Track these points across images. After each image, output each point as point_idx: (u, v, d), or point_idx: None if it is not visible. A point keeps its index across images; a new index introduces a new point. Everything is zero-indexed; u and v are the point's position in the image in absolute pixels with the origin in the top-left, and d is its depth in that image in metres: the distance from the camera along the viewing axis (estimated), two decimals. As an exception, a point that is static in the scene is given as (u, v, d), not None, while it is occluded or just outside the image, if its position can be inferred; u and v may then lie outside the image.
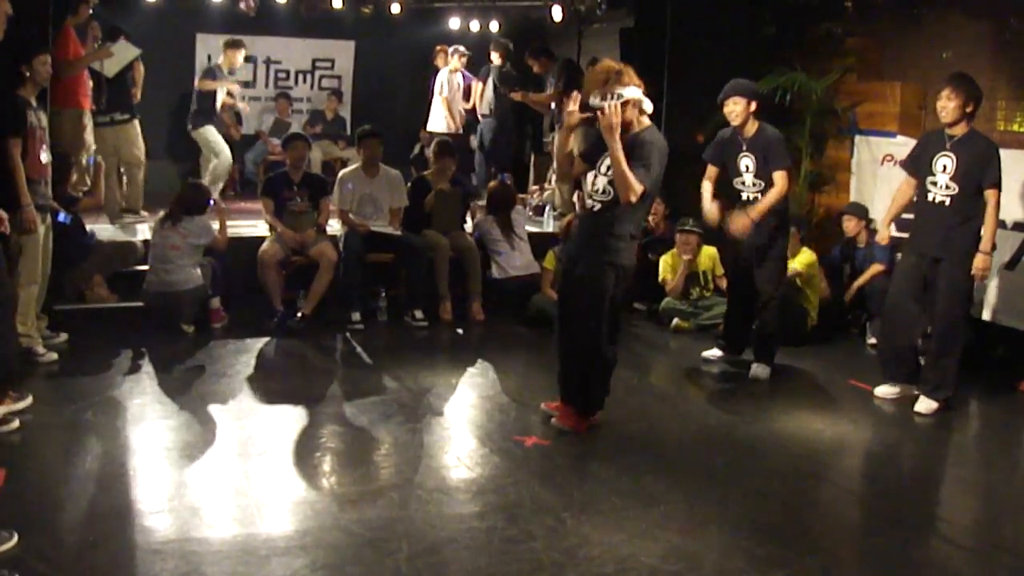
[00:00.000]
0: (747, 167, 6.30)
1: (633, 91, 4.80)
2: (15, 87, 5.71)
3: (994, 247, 5.77)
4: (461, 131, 11.02)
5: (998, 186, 5.58)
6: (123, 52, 8.41)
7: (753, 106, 6.25)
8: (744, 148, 6.30)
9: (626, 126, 4.86)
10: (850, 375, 6.53)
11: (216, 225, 7.26)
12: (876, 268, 7.28)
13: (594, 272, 4.97)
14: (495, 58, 10.44)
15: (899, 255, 6.31)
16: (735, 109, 6.23)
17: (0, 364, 4.82)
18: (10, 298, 5.07)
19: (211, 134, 9.50)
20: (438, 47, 11.36)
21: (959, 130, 5.65)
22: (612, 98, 4.75)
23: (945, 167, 5.68)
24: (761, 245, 6.33)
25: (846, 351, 7.30)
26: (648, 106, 4.91)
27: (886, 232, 6.19)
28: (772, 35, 8.64)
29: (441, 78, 11.00)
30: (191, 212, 7.09)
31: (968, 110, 5.60)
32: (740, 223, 6.11)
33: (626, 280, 5.08)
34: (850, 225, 7.64)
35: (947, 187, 5.68)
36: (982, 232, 5.63)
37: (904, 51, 7.86)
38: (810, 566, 3.85)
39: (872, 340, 7.19)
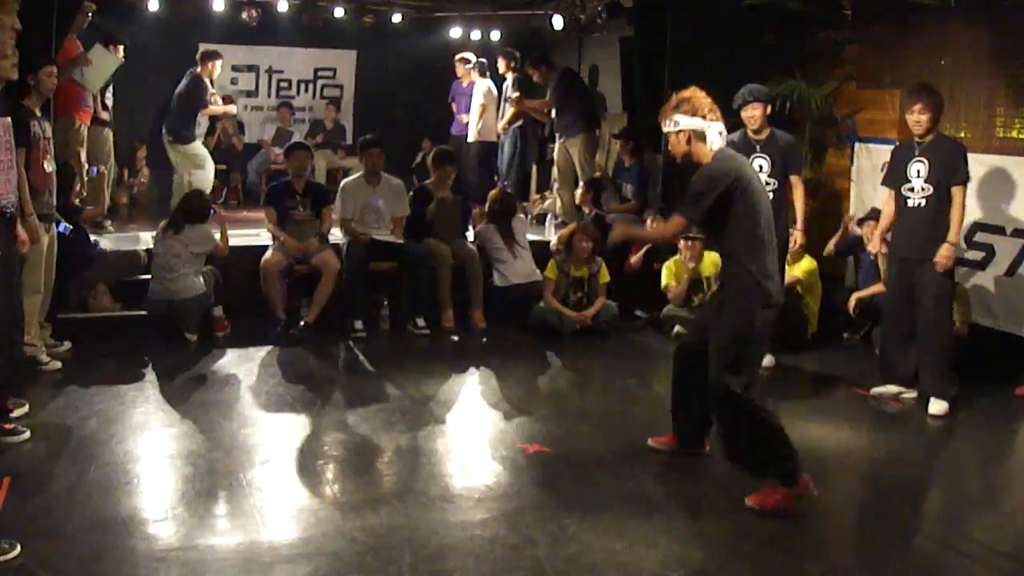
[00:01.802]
0: (761, 167, 6.45)
1: (690, 120, 4.51)
2: (20, 97, 5.73)
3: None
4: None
5: (965, 184, 5.81)
6: (103, 61, 8.26)
7: (768, 110, 6.55)
8: (758, 150, 6.50)
9: (685, 157, 4.59)
10: (851, 382, 6.54)
11: (217, 233, 7.28)
12: (878, 288, 7.29)
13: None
14: (501, 67, 10.45)
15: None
16: (754, 114, 6.47)
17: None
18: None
19: (199, 148, 9.38)
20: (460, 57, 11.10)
21: (928, 136, 5.87)
22: (670, 125, 4.56)
23: (919, 171, 5.88)
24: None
25: (847, 358, 7.30)
26: (715, 141, 4.53)
27: (877, 241, 6.39)
28: (772, 43, 8.66)
29: (488, 87, 10.72)
30: (193, 221, 7.11)
31: (937, 118, 5.85)
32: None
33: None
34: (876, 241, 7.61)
35: (922, 190, 5.88)
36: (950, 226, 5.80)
37: (903, 59, 7.87)
38: (811, 573, 3.86)
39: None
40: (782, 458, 4.36)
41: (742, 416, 4.41)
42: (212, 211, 7.43)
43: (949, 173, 5.78)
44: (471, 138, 10.69)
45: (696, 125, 4.51)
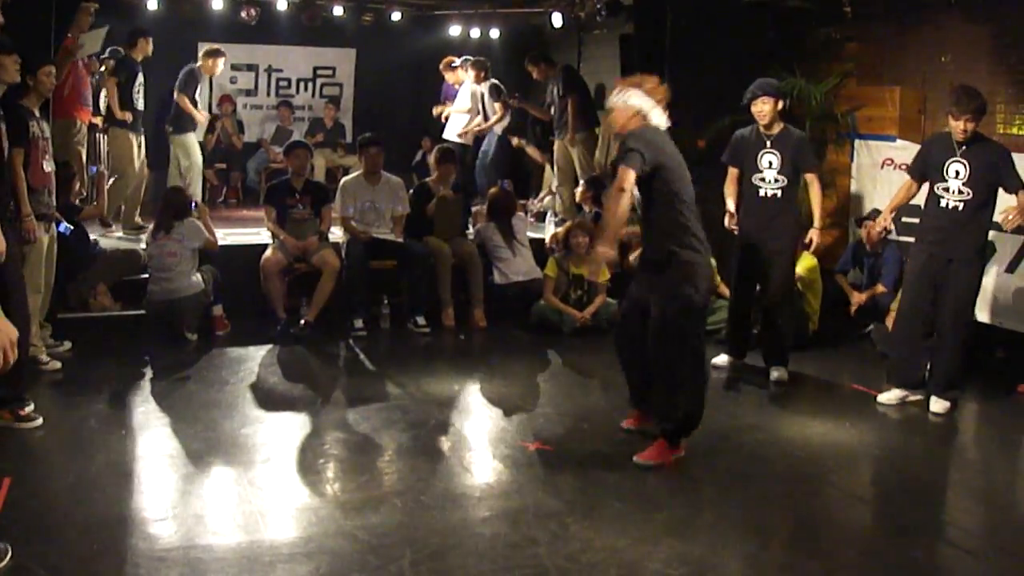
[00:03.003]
0: (770, 163, 6.34)
1: (640, 99, 4.84)
2: (18, 97, 5.73)
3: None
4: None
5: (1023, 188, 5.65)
6: (92, 39, 8.23)
7: (780, 105, 6.37)
8: (768, 145, 6.35)
9: (622, 131, 4.93)
10: (852, 379, 6.54)
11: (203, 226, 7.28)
12: (879, 289, 7.30)
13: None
14: (472, 77, 10.49)
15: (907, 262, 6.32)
16: (764, 108, 6.30)
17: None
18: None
19: (190, 140, 9.33)
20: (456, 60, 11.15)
21: (969, 137, 5.72)
22: (623, 97, 4.86)
23: (958, 173, 5.73)
24: (775, 246, 6.37)
25: (848, 356, 7.29)
26: (661, 121, 4.86)
27: (887, 215, 6.23)
28: (771, 40, 8.65)
29: (474, 89, 10.67)
30: (179, 216, 7.12)
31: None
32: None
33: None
34: (870, 231, 7.61)
35: (960, 192, 5.73)
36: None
37: (903, 55, 7.87)
38: (813, 570, 3.85)
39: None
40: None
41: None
42: (194, 204, 7.43)
43: (998, 179, 5.65)
44: (450, 136, 10.64)
45: (647, 106, 4.85)
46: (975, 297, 5.93)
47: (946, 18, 7.42)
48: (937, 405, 5.85)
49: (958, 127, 5.67)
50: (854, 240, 7.89)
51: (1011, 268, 6.76)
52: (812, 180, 6.42)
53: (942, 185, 5.79)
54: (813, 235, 6.52)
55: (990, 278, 6.88)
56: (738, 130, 6.59)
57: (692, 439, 5.13)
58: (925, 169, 5.94)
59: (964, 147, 5.72)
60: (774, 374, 6.50)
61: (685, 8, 8.52)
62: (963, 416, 5.94)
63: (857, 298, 7.45)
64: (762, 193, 6.38)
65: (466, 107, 10.51)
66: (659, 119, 4.86)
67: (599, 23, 10.24)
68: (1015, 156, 6.66)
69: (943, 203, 5.80)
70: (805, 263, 7.40)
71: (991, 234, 6.82)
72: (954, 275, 5.78)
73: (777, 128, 6.38)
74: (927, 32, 7.65)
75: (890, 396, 6.07)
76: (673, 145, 4.91)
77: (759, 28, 8.60)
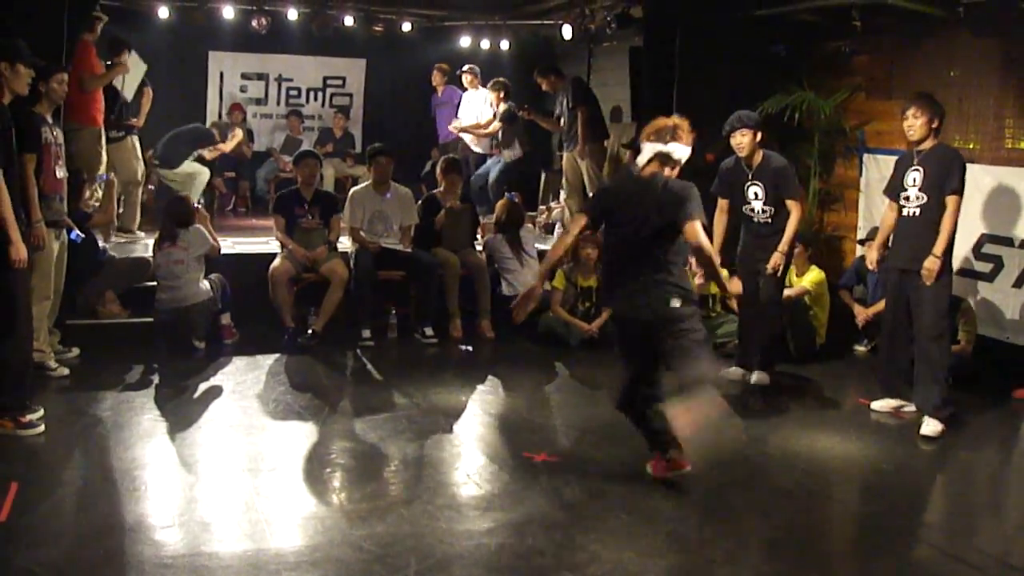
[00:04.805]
0: (756, 194, 6.45)
1: (683, 151, 4.69)
2: (31, 104, 5.77)
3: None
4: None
5: (959, 193, 5.66)
6: (136, 68, 8.44)
7: (759, 136, 6.40)
8: (751, 176, 6.45)
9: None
10: (858, 393, 6.53)
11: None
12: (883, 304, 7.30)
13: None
14: (466, 82, 10.57)
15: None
16: (743, 141, 6.37)
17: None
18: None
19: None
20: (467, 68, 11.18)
21: (927, 145, 5.78)
22: (666, 146, 4.66)
23: (915, 180, 5.80)
24: (762, 261, 6.44)
25: (854, 369, 7.29)
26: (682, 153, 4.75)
27: (874, 255, 6.26)
28: (781, 54, 8.67)
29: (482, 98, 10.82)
30: (184, 225, 7.15)
31: (934, 126, 5.75)
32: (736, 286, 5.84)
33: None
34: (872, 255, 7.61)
35: (917, 198, 5.79)
36: (950, 238, 5.69)
37: (912, 70, 7.88)
38: (818, 584, 3.85)
39: None
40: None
41: None
42: (195, 206, 7.47)
43: (943, 182, 5.67)
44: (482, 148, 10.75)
45: (680, 154, 4.69)
46: (947, 307, 5.82)
47: (955, 33, 7.42)
48: (928, 427, 5.67)
49: (905, 125, 5.81)
50: (858, 256, 7.89)
51: (1019, 283, 6.75)
52: (793, 207, 6.42)
53: (903, 195, 5.87)
54: (775, 258, 6.42)
55: (997, 293, 6.88)
56: (724, 161, 6.64)
57: (697, 451, 5.11)
58: (893, 186, 6.01)
59: (922, 154, 5.79)
60: (754, 377, 6.59)
61: (695, 21, 8.52)
62: (966, 430, 5.90)
63: (862, 313, 7.45)
64: (754, 220, 6.51)
65: (475, 118, 10.56)
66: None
67: (609, 35, 10.27)
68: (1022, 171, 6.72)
69: (905, 212, 5.88)
70: (812, 277, 7.41)
71: (999, 249, 6.85)
72: (923, 288, 5.71)
73: (758, 158, 6.44)
74: (936, 47, 7.65)
75: (882, 404, 6.12)
76: None
77: (768, 41, 8.61)
